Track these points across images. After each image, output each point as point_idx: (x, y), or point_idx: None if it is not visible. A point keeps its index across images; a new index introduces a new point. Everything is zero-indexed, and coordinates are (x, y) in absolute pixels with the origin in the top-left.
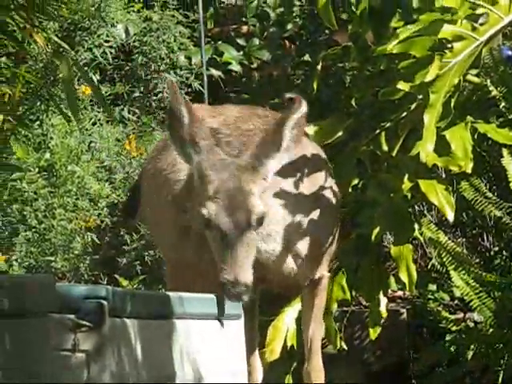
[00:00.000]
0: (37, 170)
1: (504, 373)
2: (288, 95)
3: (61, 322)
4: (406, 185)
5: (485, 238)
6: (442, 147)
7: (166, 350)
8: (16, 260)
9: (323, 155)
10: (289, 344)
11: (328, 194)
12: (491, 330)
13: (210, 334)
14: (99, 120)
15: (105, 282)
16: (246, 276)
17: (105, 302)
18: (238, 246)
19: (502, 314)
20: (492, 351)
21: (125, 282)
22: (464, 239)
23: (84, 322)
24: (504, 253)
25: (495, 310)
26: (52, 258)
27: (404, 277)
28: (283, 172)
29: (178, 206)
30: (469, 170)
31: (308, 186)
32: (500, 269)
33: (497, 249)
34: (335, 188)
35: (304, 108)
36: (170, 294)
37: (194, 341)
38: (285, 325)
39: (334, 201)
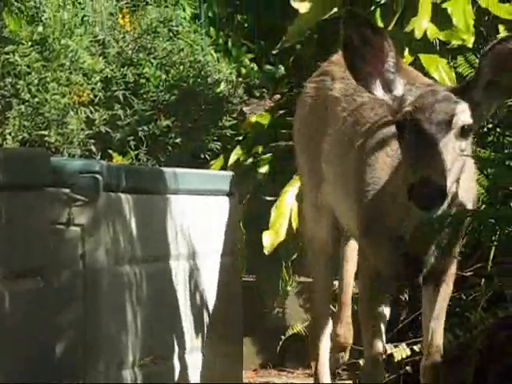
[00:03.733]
0: (30, 43)
1: (496, 248)
2: None
3: (56, 195)
4: (407, 58)
5: None
6: (444, 21)
7: (160, 224)
8: (9, 134)
9: None
10: (294, 225)
11: None
12: (484, 206)
13: (204, 209)
14: None
15: (98, 157)
16: (441, 179)
17: (99, 177)
18: (435, 145)
19: (494, 190)
20: (484, 228)
21: (118, 157)
22: None
23: (79, 197)
24: (497, 129)
25: (488, 186)
26: (46, 133)
27: None
28: None
29: None
30: (470, 44)
31: None
32: (493, 145)
33: (490, 126)
34: None
35: None
36: (164, 169)
37: (189, 216)
38: (287, 205)
39: None
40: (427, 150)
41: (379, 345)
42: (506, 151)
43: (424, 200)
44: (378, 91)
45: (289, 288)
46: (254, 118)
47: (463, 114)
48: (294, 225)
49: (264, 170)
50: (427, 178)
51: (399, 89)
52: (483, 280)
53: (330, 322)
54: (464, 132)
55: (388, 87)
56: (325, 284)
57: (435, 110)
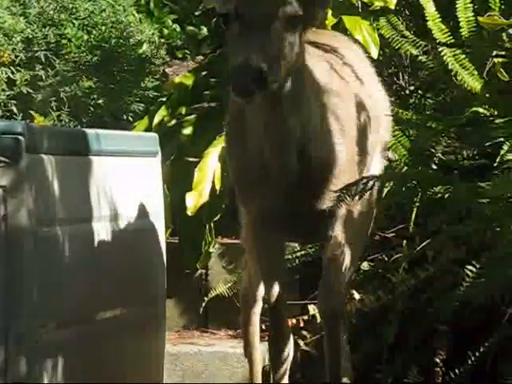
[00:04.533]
0: None
1: (417, 209)
2: None
3: None
4: (330, 21)
5: (400, 76)
6: None
7: (83, 186)
8: None
9: None
10: (217, 186)
11: None
12: (406, 168)
13: (127, 171)
14: None
15: (20, 118)
16: (260, 62)
17: (21, 138)
18: (258, 33)
19: (416, 151)
20: (406, 189)
21: (40, 119)
22: (380, 78)
23: (1, 158)
24: (419, 91)
25: (409, 148)
26: None
27: None
28: None
29: None
30: (392, 6)
31: None
32: (415, 107)
33: (412, 88)
34: None
35: None
36: (87, 130)
37: (111, 177)
38: (210, 166)
39: None
40: (250, 38)
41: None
42: (427, 113)
43: (242, 85)
44: None
45: (211, 249)
46: (177, 79)
47: (289, 6)
48: (217, 186)
49: (188, 131)
50: (245, 61)
51: None
52: (405, 241)
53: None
54: (293, 24)
55: None
56: None
57: (259, 1)
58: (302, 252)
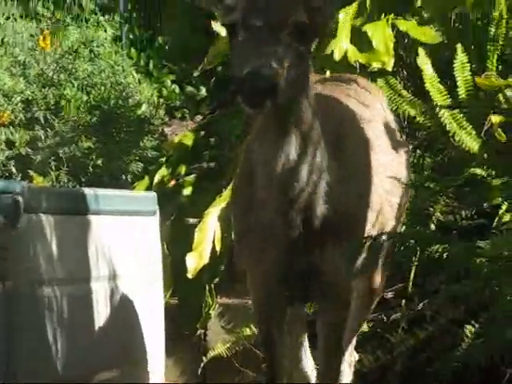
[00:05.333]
0: None
1: (416, 269)
2: None
3: None
4: None
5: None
6: (363, 44)
7: (82, 246)
8: None
9: None
10: (217, 247)
11: None
12: (404, 227)
13: (126, 230)
14: (13, 15)
15: (19, 179)
16: (271, 72)
17: (20, 198)
18: (266, 42)
19: (414, 211)
20: (405, 249)
21: (39, 179)
22: None
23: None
24: (417, 151)
25: (408, 207)
26: None
27: None
28: None
29: None
30: (390, 67)
31: None
32: (413, 166)
33: (411, 147)
34: None
35: None
36: (86, 190)
37: (110, 237)
38: (211, 227)
39: None
40: (258, 47)
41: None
42: (425, 173)
43: (252, 95)
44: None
45: (211, 311)
46: (177, 139)
47: (297, 14)
48: (218, 246)
49: (187, 191)
50: (255, 70)
51: None
52: (403, 301)
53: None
54: (301, 34)
55: None
56: None
57: (266, 9)
58: None
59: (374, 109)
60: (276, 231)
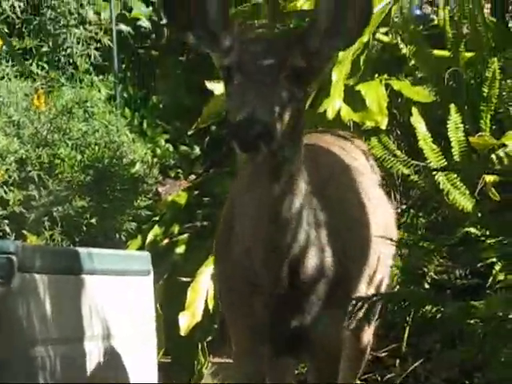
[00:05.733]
0: None
1: (410, 329)
2: None
3: None
4: None
5: (392, 196)
6: (357, 103)
7: (76, 305)
8: None
9: None
10: (210, 306)
11: None
12: (398, 287)
13: (120, 290)
14: (7, 74)
15: (13, 238)
16: (267, 116)
17: (14, 257)
18: (262, 87)
19: (408, 271)
20: (398, 308)
21: (33, 238)
22: None
23: None
24: (411, 211)
25: (402, 267)
26: None
27: None
28: None
29: None
30: (383, 126)
31: None
32: (407, 227)
33: (404, 207)
34: None
35: None
36: (79, 249)
37: (104, 297)
38: (203, 286)
39: None
40: (253, 91)
41: None
42: (419, 232)
43: (247, 140)
44: (205, 45)
45: (204, 370)
46: (170, 198)
47: (294, 59)
48: (210, 305)
49: (180, 249)
50: (251, 115)
51: (227, 41)
52: (397, 361)
53: None
54: (298, 78)
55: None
56: None
57: (263, 53)
58: None
59: (361, 161)
60: (261, 283)
